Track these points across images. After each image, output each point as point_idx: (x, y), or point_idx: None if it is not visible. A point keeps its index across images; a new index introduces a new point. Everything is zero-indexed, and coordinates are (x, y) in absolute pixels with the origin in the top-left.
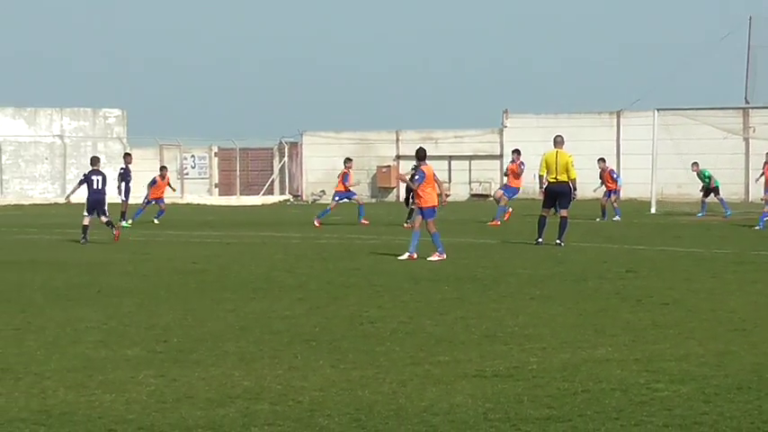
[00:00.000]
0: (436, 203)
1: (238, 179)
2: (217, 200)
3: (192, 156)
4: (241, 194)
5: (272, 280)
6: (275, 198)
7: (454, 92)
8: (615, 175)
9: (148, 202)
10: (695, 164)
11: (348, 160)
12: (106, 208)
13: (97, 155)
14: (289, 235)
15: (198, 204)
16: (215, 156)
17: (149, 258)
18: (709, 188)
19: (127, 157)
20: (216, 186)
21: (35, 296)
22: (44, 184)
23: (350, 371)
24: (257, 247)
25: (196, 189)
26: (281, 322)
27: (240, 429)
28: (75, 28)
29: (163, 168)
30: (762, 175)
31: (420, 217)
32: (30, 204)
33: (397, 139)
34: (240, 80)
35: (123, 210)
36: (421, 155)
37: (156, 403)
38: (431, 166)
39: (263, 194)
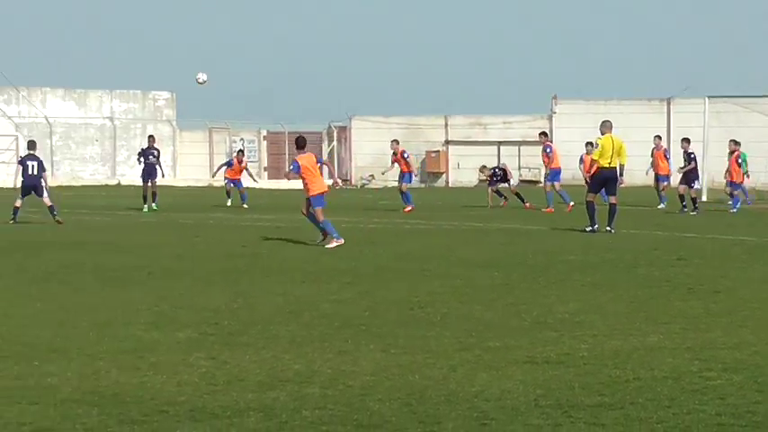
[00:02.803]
0: (324, 190)
1: (287, 163)
2: (266, 183)
3: (241, 139)
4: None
5: (322, 264)
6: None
7: (503, 77)
8: (668, 155)
9: (234, 183)
10: (735, 143)
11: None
12: (46, 193)
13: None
14: (338, 219)
15: (247, 188)
16: (264, 139)
17: (200, 241)
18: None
19: (149, 138)
20: (264, 170)
21: (87, 278)
22: (94, 166)
23: (400, 356)
24: (307, 231)
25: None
26: (330, 306)
27: (291, 413)
28: (125, 10)
29: (240, 152)
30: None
31: (320, 207)
32: (80, 185)
33: (446, 124)
34: (290, 63)
35: (144, 194)
36: (300, 144)
37: (208, 385)
38: (311, 155)
39: None
